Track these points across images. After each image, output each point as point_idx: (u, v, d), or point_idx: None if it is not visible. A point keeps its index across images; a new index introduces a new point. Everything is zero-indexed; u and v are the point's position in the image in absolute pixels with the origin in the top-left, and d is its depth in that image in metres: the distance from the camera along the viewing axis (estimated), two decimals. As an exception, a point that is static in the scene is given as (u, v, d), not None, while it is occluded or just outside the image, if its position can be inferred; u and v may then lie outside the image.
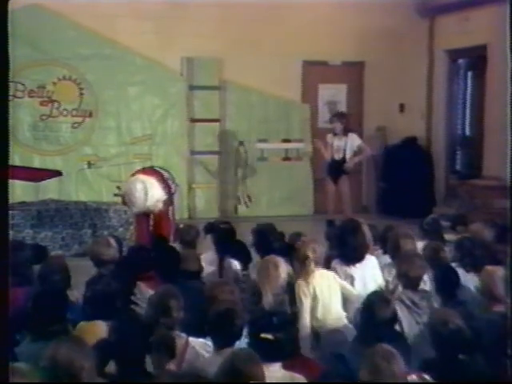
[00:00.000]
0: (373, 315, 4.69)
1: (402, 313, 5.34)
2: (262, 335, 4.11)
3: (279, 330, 4.16)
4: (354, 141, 10.54)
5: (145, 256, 6.33)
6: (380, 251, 6.95)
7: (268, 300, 5.55)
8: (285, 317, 4.58)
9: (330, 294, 5.77)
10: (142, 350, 4.16)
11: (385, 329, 4.64)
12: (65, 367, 3.68)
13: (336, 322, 5.66)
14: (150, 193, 8.24)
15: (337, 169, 10.50)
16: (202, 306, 5.10)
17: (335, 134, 10.57)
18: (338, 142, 10.51)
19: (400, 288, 5.96)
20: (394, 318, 4.87)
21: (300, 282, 5.71)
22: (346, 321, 5.71)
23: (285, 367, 4.18)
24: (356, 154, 10.61)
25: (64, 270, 5.85)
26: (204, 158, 12.83)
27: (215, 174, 12.94)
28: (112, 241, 6.61)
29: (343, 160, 10.45)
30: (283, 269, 5.74)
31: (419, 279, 5.62)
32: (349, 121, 11.03)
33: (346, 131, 10.59)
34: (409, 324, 5.32)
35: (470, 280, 6.01)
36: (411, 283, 5.59)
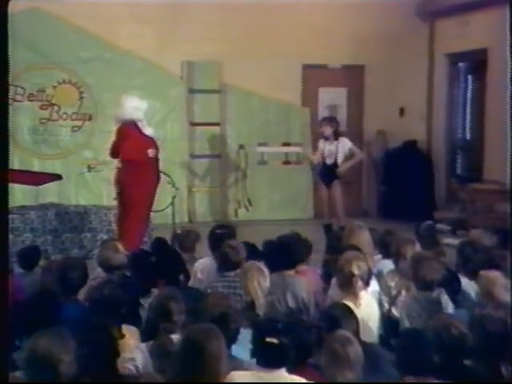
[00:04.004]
0: (339, 327, 4.56)
1: (416, 312, 5.41)
2: (267, 339, 4.07)
3: (284, 336, 4.12)
4: (345, 145, 10.44)
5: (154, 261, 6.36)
6: (379, 256, 6.93)
7: (261, 304, 5.51)
8: (290, 323, 4.52)
9: (372, 318, 5.51)
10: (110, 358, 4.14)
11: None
12: (44, 359, 3.70)
13: None
14: None
15: (329, 174, 10.42)
16: (199, 311, 5.09)
17: (326, 139, 10.49)
18: (329, 147, 10.42)
19: (404, 292, 5.96)
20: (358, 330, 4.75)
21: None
22: None
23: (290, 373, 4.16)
24: (348, 158, 10.54)
25: (83, 267, 5.85)
26: (200, 161, 12.86)
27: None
28: (120, 246, 6.59)
29: (335, 165, 10.37)
30: (267, 272, 5.68)
31: (435, 282, 5.60)
32: (339, 124, 10.94)
33: (336, 135, 10.50)
34: (425, 323, 5.18)
35: (469, 285, 6.01)
36: (427, 286, 5.60)
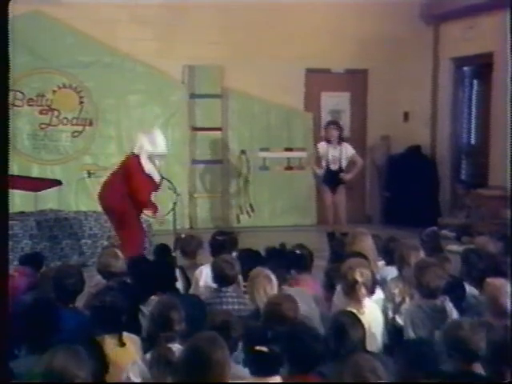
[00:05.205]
0: (346, 335, 4.52)
1: (420, 320, 5.35)
2: (257, 348, 4.02)
3: (274, 344, 4.07)
4: (348, 151, 10.38)
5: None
6: (382, 262, 6.84)
7: None
8: (280, 331, 4.46)
9: (376, 326, 5.43)
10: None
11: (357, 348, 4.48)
12: (59, 375, 3.67)
13: None
14: None
15: (334, 179, 10.32)
16: (199, 318, 4.99)
17: (329, 143, 10.38)
18: (333, 152, 10.33)
19: (408, 300, 5.88)
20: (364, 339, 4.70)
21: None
22: None
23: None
24: (349, 164, 10.45)
25: (79, 274, 5.80)
26: (201, 166, 12.78)
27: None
28: (119, 252, 6.51)
29: (340, 170, 10.29)
30: (274, 280, 5.58)
31: (439, 289, 5.53)
32: (343, 129, 10.85)
33: (340, 140, 10.43)
34: (429, 330, 5.25)
35: (474, 293, 5.94)
36: (431, 293, 5.53)
